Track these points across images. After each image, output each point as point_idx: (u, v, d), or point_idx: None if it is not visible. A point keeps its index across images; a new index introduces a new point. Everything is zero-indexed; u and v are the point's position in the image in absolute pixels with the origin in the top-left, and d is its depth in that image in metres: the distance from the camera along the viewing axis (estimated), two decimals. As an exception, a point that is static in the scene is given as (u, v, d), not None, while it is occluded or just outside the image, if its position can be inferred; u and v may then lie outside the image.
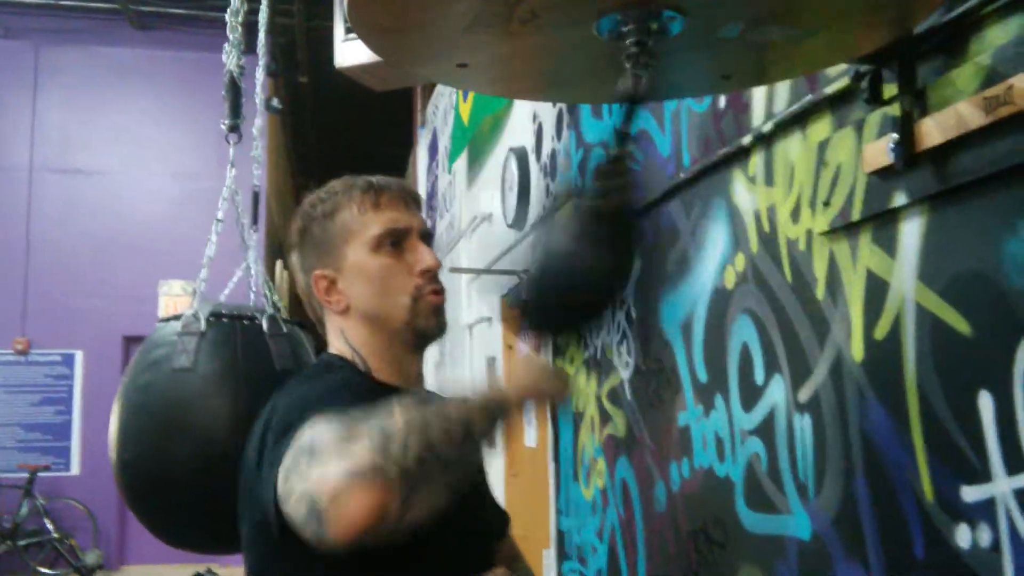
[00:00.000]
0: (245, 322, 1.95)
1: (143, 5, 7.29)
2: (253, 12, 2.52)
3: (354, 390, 1.00)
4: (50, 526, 6.66)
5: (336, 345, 1.10)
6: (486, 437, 0.83)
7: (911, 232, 1.09)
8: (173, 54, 7.52)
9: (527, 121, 2.99)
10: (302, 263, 1.11)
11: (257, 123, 2.55)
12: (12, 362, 7.18)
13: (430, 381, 1.18)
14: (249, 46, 2.42)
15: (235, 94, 2.25)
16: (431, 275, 1.07)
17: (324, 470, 0.77)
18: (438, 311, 1.08)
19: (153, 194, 7.43)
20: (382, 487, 0.74)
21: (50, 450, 7.16)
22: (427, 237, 1.11)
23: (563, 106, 2.57)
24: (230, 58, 2.25)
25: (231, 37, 2.27)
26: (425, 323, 1.07)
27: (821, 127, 1.29)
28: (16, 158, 7.32)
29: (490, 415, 0.84)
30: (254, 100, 2.67)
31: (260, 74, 2.76)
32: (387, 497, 0.74)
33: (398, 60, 1.08)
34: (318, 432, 0.81)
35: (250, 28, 2.40)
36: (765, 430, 1.45)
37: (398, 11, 0.92)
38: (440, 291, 1.09)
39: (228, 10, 2.31)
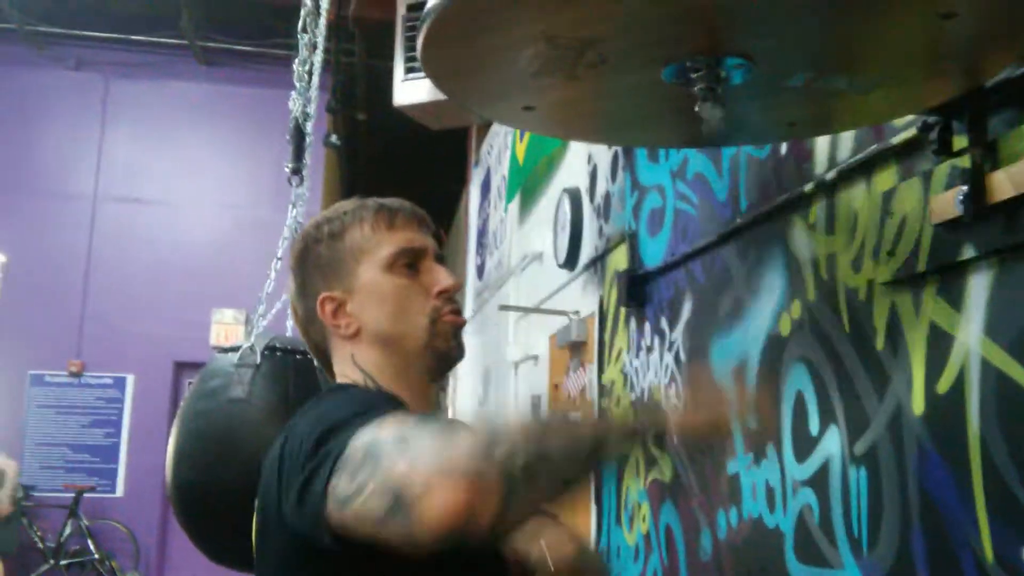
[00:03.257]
0: (298, 356, 2.03)
1: (210, 41, 7.55)
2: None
3: (383, 398, 0.94)
4: (92, 547, 6.75)
5: (345, 372, 1.03)
6: (604, 461, 0.80)
7: (979, 285, 1.07)
8: (236, 89, 7.75)
9: (582, 162, 3.02)
10: (304, 287, 1.05)
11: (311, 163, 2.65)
12: (66, 383, 7.35)
13: (468, 419, 1.14)
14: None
15: (299, 139, 2.36)
16: (449, 296, 1.02)
17: (416, 464, 0.70)
18: (457, 333, 1.02)
19: (208, 224, 7.62)
20: (476, 489, 0.69)
21: (96, 471, 7.29)
22: (441, 260, 1.06)
23: (619, 148, 2.59)
24: (296, 106, 2.35)
25: (298, 85, 2.38)
26: (444, 345, 1.01)
27: (886, 177, 1.28)
28: (82, 186, 7.58)
29: (615, 443, 0.81)
30: (321, 136, 2.77)
31: (312, 109, 2.87)
32: (485, 500, 0.69)
33: (466, 102, 1.10)
34: (397, 429, 0.75)
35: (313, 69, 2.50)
36: (818, 481, 1.42)
37: (470, 55, 0.95)
38: (458, 312, 1.03)
39: (296, 59, 2.42)
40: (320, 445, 0.80)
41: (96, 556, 6.74)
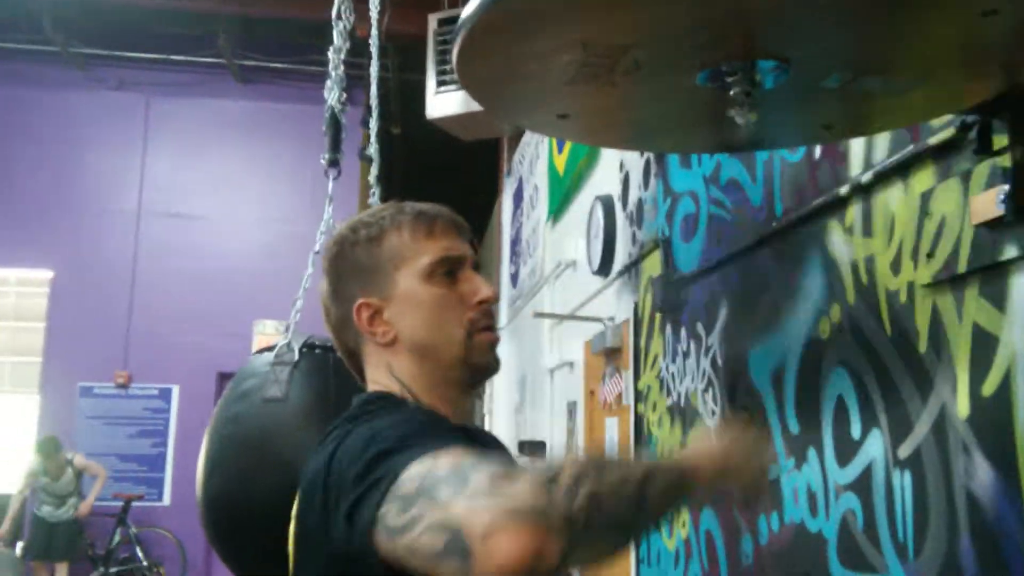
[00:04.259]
0: (338, 354, 1.96)
1: (247, 60, 7.69)
2: (353, 66, 2.63)
3: (438, 423, 0.93)
4: (141, 554, 6.88)
5: (379, 380, 1.02)
6: (662, 504, 0.78)
7: (1023, 286, 1.06)
8: (272, 106, 7.89)
9: (614, 170, 3.02)
10: (338, 290, 1.03)
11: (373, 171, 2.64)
12: (113, 395, 7.51)
13: (505, 425, 1.14)
14: (350, 98, 2.50)
15: (336, 130, 2.27)
16: (486, 308, 1.01)
17: (475, 503, 0.69)
18: (493, 346, 1.02)
19: (249, 238, 7.74)
20: (542, 531, 0.68)
21: (144, 480, 7.43)
22: (477, 268, 1.05)
23: (651, 155, 2.59)
24: (332, 95, 2.27)
25: (333, 74, 2.27)
26: (480, 358, 1.00)
27: (924, 177, 1.27)
28: (125, 203, 7.76)
29: (670, 484, 0.79)
30: (356, 150, 2.76)
31: (374, 124, 2.84)
32: (546, 543, 0.68)
33: (501, 111, 1.11)
34: (454, 463, 0.74)
35: (349, 80, 2.48)
36: (862, 486, 1.40)
37: (504, 64, 0.95)
38: (493, 328, 1.02)
39: (331, 48, 2.32)
40: (372, 467, 0.79)
41: (144, 563, 6.86)
